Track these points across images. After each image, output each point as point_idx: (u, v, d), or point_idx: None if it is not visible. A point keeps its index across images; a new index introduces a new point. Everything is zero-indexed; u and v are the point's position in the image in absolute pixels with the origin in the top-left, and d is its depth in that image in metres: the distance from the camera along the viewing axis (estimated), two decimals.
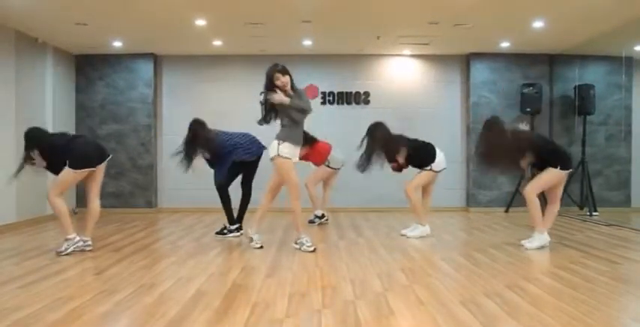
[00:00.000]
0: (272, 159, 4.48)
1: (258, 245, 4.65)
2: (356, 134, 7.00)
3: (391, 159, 5.33)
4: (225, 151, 5.25)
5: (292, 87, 4.43)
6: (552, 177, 4.62)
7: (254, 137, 5.41)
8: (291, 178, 4.46)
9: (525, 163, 4.72)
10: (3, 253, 4.46)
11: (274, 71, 4.34)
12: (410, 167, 5.43)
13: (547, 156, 4.66)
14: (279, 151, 4.40)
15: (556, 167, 4.58)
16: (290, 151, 4.44)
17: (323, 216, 6.33)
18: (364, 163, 5.32)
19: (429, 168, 5.29)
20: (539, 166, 4.78)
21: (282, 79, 4.34)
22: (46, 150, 4.38)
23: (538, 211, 4.64)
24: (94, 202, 4.57)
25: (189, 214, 7.37)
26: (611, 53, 7.41)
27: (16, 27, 6.05)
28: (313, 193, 6.23)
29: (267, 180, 4.73)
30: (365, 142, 5.37)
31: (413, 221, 5.50)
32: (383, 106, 7.73)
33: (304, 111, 4.42)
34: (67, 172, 4.34)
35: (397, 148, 5.28)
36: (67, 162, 4.32)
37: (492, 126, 4.75)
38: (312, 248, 4.49)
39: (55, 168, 4.43)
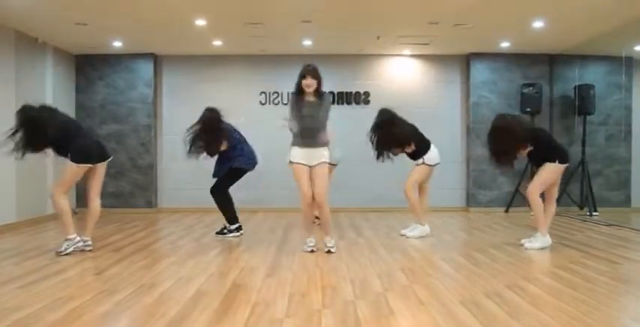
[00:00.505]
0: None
1: (334, 250, 4.49)
2: (356, 134, 6.98)
3: (398, 146, 5.33)
4: (233, 153, 5.27)
5: (318, 91, 4.43)
6: (551, 172, 4.62)
7: (251, 147, 5.48)
8: (299, 185, 4.46)
9: (524, 153, 4.71)
10: (3, 253, 4.45)
11: (305, 71, 4.38)
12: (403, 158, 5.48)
13: (547, 149, 4.68)
14: (290, 157, 4.47)
15: (554, 161, 4.59)
16: (299, 154, 4.43)
17: (317, 217, 6.30)
18: (380, 152, 5.33)
19: (421, 161, 5.29)
20: (537, 162, 4.79)
21: (308, 82, 4.36)
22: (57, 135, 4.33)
23: (542, 212, 4.65)
24: (95, 202, 4.57)
25: (189, 214, 7.37)
26: (611, 53, 7.41)
27: (16, 27, 6.05)
28: None
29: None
30: (375, 130, 5.35)
31: (412, 221, 5.50)
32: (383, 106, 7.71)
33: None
34: (70, 167, 4.34)
35: (408, 141, 5.29)
36: (70, 156, 4.32)
37: (502, 119, 4.77)
38: (309, 249, 4.51)
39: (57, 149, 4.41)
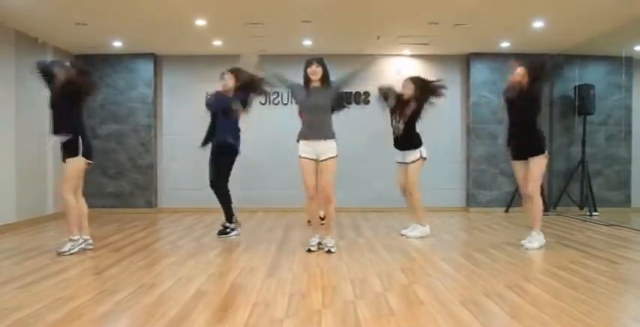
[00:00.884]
0: None
1: (334, 249, 4.50)
2: (356, 134, 7.00)
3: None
4: (239, 132, 5.32)
5: (324, 80, 4.46)
6: (543, 165, 4.61)
7: None
8: (302, 179, 4.50)
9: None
10: (3, 253, 4.45)
11: (311, 59, 4.46)
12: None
13: (539, 139, 4.63)
14: (298, 152, 4.50)
15: (543, 152, 4.59)
16: (305, 148, 4.46)
17: (323, 218, 6.30)
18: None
19: (419, 156, 5.23)
20: (523, 155, 4.65)
21: (313, 69, 4.41)
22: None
23: (540, 212, 4.65)
24: (82, 200, 4.60)
25: (189, 214, 7.37)
26: (611, 53, 7.41)
27: (16, 27, 6.05)
28: None
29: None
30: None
31: (412, 221, 5.49)
32: (383, 106, 7.71)
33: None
34: (77, 162, 4.38)
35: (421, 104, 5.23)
36: (80, 150, 4.37)
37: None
38: (307, 248, 4.55)
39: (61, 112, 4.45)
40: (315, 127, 4.43)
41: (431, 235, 5.33)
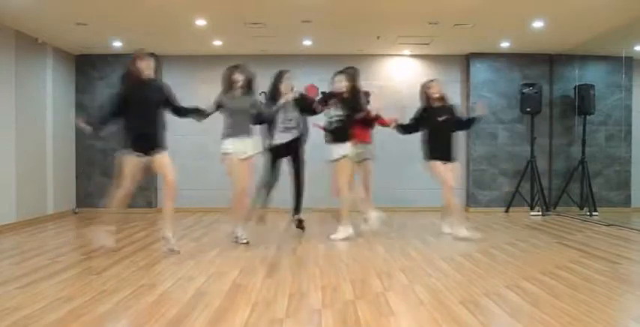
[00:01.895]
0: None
1: (245, 241, 4.83)
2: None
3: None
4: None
5: (246, 86, 4.92)
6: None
7: None
8: (232, 178, 4.75)
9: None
10: (3, 253, 4.46)
11: (232, 70, 4.92)
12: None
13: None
14: (221, 148, 4.85)
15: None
16: (231, 146, 4.80)
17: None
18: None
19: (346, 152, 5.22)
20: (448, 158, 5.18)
21: (237, 75, 4.88)
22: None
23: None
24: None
25: (189, 214, 7.36)
26: (611, 53, 7.41)
27: (16, 27, 6.05)
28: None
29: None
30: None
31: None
32: (383, 107, 7.71)
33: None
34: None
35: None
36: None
37: None
38: (244, 241, 4.80)
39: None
40: (238, 128, 4.82)
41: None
